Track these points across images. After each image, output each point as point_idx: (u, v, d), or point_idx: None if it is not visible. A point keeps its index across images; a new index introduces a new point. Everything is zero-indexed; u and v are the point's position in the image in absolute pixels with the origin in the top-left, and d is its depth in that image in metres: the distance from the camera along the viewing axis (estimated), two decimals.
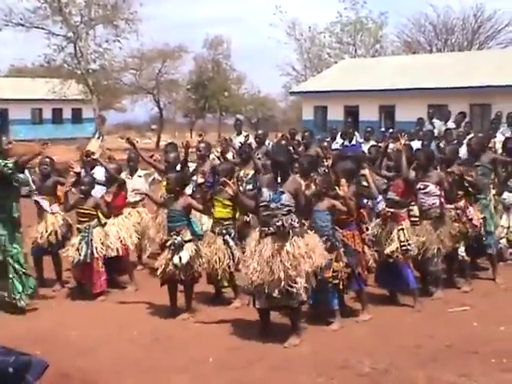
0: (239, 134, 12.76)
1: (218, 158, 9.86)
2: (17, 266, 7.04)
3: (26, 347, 4.37)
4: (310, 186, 6.30)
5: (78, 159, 9.43)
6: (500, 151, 10.31)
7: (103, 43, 29.82)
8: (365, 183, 7.36)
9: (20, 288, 7.02)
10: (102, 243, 7.71)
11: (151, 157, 9.00)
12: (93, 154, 7.84)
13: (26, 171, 7.34)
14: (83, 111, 41.18)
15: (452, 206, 7.89)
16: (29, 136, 31.77)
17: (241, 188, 8.50)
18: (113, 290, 8.03)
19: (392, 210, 7.32)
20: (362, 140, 13.21)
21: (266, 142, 11.39)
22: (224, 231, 7.19)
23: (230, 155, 10.45)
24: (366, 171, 7.43)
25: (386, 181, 7.83)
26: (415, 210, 7.53)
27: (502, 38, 38.81)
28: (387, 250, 7.15)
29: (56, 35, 29.34)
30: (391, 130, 13.75)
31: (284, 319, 6.44)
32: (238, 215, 7.58)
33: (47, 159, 8.31)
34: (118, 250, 7.87)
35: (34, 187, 7.97)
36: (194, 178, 8.21)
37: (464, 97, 21.20)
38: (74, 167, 7.97)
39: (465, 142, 11.16)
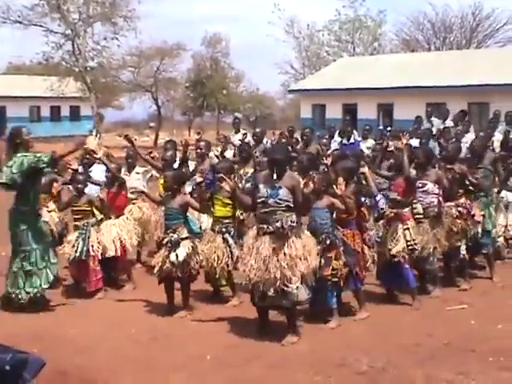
0: (237, 132, 12.79)
1: (217, 156, 9.85)
2: (24, 263, 6.93)
3: (24, 345, 4.35)
4: (308, 183, 6.28)
5: (77, 156, 9.38)
6: (498, 150, 10.31)
7: (101, 41, 29.89)
8: (363, 181, 7.37)
9: (21, 284, 6.97)
10: (99, 242, 7.70)
11: (149, 154, 8.99)
12: (93, 151, 7.80)
13: None
14: (81, 109, 41.21)
15: (453, 204, 7.89)
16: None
17: (240, 185, 8.50)
18: (111, 289, 8.02)
19: (395, 210, 7.32)
20: (360, 138, 13.21)
21: (264, 140, 11.39)
22: (223, 229, 7.17)
23: (228, 153, 10.45)
24: (366, 169, 7.43)
25: (386, 180, 7.84)
26: (419, 208, 7.49)
27: (501, 36, 38.90)
28: (394, 251, 7.14)
29: (54, 33, 29.37)
30: (389, 128, 13.76)
31: (282, 317, 6.43)
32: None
33: None
34: (116, 250, 7.84)
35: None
36: (195, 176, 8.21)
37: (462, 95, 21.23)
38: (71, 164, 7.97)
39: (463, 140, 11.21)
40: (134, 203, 8.79)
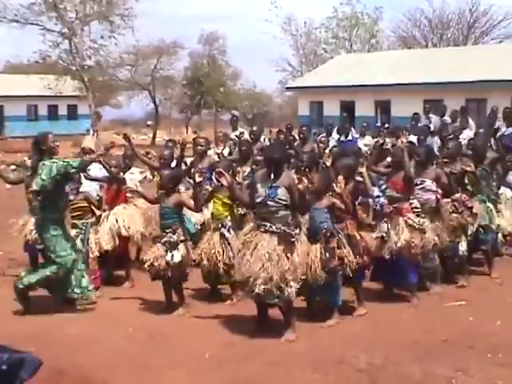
0: (235, 129, 12.75)
1: (218, 155, 9.83)
2: (48, 273, 6.83)
3: (21, 344, 4.34)
4: (301, 180, 6.24)
5: (75, 156, 9.36)
6: (494, 147, 10.28)
7: (98, 39, 29.90)
8: (360, 179, 7.33)
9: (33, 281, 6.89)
10: (97, 240, 7.68)
11: (147, 154, 8.98)
12: (91, 150, 7.78)
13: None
14: (79, 107, 41.15)
15: (448, 200, 7.87)
16: (24, 133, 31.66)
17: (237, 179, 8.48)
18: (108, 287, 8.00)
19: (395, 205, 7.29)
20: (357, 135, 13.19)
21: (261, 138, 11.36)
22: (219, 225, 7.17)
23: (224, 151, 10.43)
24: (363, 169, 7.39)
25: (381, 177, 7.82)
26: (416, 203, 7.47)
27: (497, 32, 39.02)
28: (401, 239, 7.05)
29: (51, 31, 29.37)
30: (387, 125, 13.75)
31: (281, 316, 6.42)
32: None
33: None
34: (114, 239, 7.80)
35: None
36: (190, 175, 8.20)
37: (460, 92, 21.24)
38: None
39: (461, 136, 11.19)
40: (130, 201, 8.76)
